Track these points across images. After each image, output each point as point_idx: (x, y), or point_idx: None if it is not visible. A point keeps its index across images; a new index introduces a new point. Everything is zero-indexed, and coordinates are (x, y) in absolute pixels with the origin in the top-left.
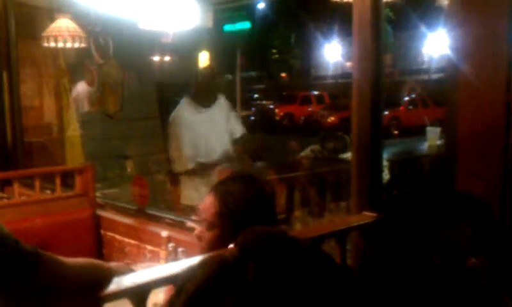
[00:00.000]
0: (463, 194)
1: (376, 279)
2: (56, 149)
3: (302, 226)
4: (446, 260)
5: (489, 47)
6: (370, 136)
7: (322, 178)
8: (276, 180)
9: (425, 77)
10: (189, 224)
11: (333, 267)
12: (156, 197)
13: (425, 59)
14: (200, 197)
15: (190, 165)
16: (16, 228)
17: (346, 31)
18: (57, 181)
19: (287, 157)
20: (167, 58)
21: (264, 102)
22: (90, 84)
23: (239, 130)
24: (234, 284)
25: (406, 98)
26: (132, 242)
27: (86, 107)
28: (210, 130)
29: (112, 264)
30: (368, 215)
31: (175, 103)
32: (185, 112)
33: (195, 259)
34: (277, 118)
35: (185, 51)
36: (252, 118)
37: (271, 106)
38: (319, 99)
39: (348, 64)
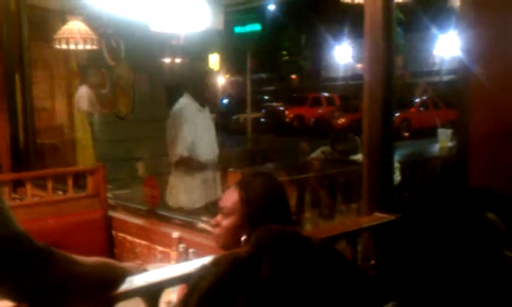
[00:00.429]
0: (482, 187)
1: (405, 279)
2: (67, 151)
3: (312, 227)
4: (482, 255)
5: (501, 47)
6: (382, 138)
7: (332, 179)
8: (286, 181)
9: (437, 78)
10: (200, 225)
11: (348, 266)
12: (167, 198)
13: (437, 60)
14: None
15: (185, 154)
16: (29, 228)
17: (357, 33)
18: (69, 182)
19: (298, 159)
20: (177, 60)
21: (274, 104)
22: (92, 87)
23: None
24: (248, 283)
25: (417, 100)
26: (143, 242)
27: (85, 108)
28: (206, 130)
29: (125, 264)
30: (379, 217)
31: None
32: (187, 108)
33: (208, 258)
34: (287, 120)
35: (195, 53)
36: (262, 119)
37: (281, 108)
38: (329, 101)
39: (359, 65)
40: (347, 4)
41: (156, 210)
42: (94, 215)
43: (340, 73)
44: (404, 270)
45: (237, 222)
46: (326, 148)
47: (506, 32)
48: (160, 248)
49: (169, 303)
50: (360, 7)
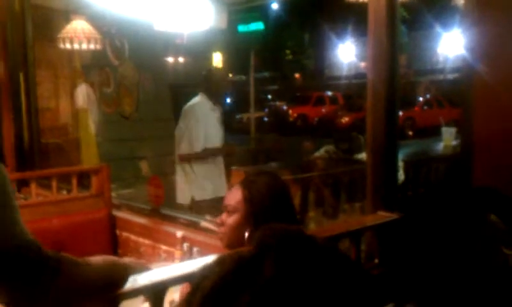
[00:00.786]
0: (485, 187)
1: (410, 278)
2: (71, 150)
3: (316, 226)
4: (481, 254)
5: (505, 46)
6: (385, 137)
7: (336, 178)
8: (290, 180)
9: (441, 77)
10: (204, 224)
11: (350, 265)
12: (171, 197)
13: (441, 59)
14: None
15: (199, 148)
16: (33, 228)
17: (360, 31)
18: (74, 181)
19: (301, 158)
20: (181, 59)
21: (278, 103)
22: (92, 85)
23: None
24: (251, 282)
25: (421, 99)
26: (147, 242)
27: (80, 104)
28: (218, 129)
29: (128, 260)
30: (383, 216)
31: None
32: (201, 106)
33: (212, 257)
34: (291, 119)
35: (199, 52)
36: (265, 118)
37: (285, 107)
38: (333, 100)
39: (362, 64)
40: (350, 2)
41: (160, 209)
42: (98, 215)
43: (344, 71)
44: (405, 269)
45: (241, 221)
46: (330, 147)
47: (510, 30)
48: (164, 247)
49: (172, 302)
50: (363, 5)
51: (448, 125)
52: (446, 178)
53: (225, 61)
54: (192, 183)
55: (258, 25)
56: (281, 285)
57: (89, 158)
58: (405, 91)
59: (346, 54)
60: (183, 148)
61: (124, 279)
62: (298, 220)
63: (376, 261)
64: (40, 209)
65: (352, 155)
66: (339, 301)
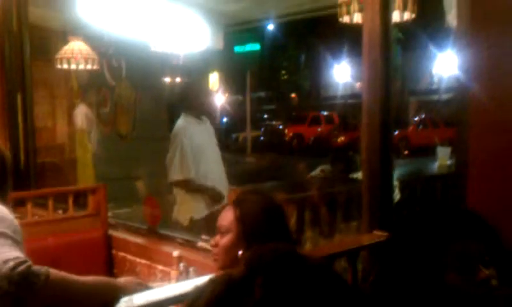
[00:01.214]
0: (470, 213)
1: (388, 298)
2: (68, 170)
3: (313, 246)
4: (459, 273)
5: (499, 66)
6: (380, 156)
7: (332, 197)
8: (286, 200)
9: (435, 97)
10: (200, 243)
11: (341, 284)
12: (167, 217)
13: (435, 79)
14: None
15: (191, 174)
16: (29, 247)
17: (356, 52)
18: (70, 201)
19: (297, 177)
20: (178, 79)
21: (274, 123)
22: (91, 105)
23: None
24: (241, 304)
25: (416, 119)
26: (143, 261)
27: (78, 125)
28: (207, 141)
29: (123, 280)
30: (379, 235)
31: None
32: (187, 124)
33: (206, 278)
34: (286, 138)
35: (196, 72)
36: (262, 138)
37: (281, 126)
38: (329, 119)
39: (358, 84)
40: (345, 24)
41: (156, 229)
42: (94, 234)
43: (339, 92)
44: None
45: (234, 241)
46: (326, 167)
47: (503, 51)
48: (160, 267)
49: None
50: (358, 26)
51: (443, 144)
52: (440, 197)
53: (222, 81)
54: (190, 203)
55: (255, 46)
56: (270, 306)
57: (86, 178)
58: (400, 111)
59: (342, 74)
60: (173, 176)
61: (115, 299)
62: (293, 240)
63: (371, 279)
64: (35, 228)
65: (348, 174)
66: None
